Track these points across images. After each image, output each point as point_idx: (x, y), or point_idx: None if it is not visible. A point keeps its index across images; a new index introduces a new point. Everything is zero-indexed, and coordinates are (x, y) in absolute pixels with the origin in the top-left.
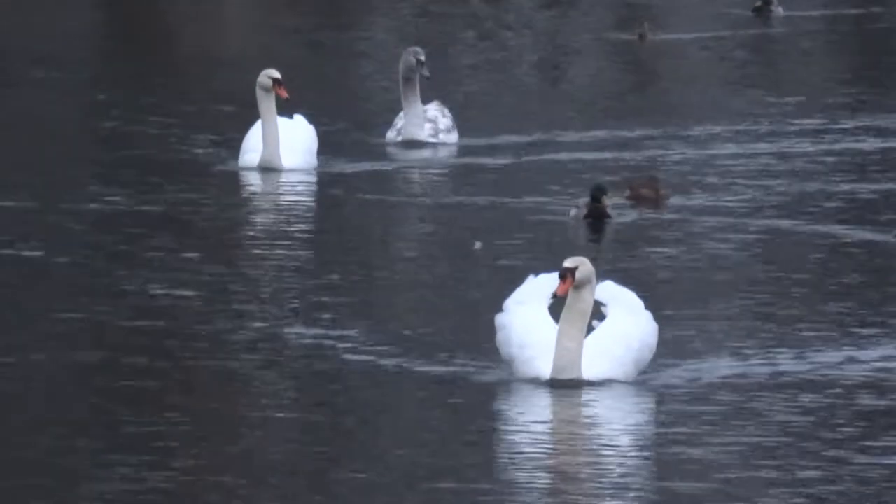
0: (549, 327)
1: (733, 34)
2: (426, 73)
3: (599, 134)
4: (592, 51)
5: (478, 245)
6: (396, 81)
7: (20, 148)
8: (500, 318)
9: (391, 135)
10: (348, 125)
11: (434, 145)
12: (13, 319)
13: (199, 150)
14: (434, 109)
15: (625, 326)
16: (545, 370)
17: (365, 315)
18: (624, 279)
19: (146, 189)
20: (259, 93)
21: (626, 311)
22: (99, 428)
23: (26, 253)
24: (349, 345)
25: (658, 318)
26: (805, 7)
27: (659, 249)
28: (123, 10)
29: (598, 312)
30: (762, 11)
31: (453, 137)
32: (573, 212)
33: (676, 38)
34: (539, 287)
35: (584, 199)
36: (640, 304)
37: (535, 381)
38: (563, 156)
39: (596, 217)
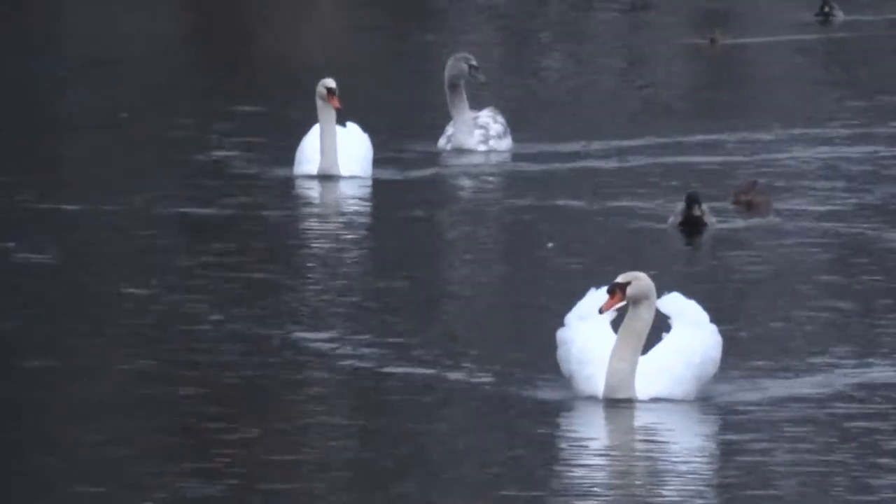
0: (610, 343)
1: (800, 38)
2: (482, 77)
3: (685, 138)
4: (667, 55)
5: (550, 245)
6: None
7: (88, 147)
8: (560, 334)
9: (442, 143)
10: (406, 132)
11: (485, 153)
12: (83, 325)
13: (251, 156)
14: (486, 116)
15: (687, 342)
16: (601, 388)
17: (426, 325)
18: (700, 288)
19: (210, 196)
20: (318, 102)
21: (689, 325)
22: (163, 435)
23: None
24: (407, 355)
25: (730, 328)
26: (864, 11)
27: (746, 255)
28: (211, 12)
29: (664, 325)
30: (825, 16)
31: (505, 144)
32: (670, 220)
33: (746, 42)
34: (601, 301)
35: (680, 207)
36: (705, 317)
37: (592, 400)
38: (646, 160)
39: (691, 224)
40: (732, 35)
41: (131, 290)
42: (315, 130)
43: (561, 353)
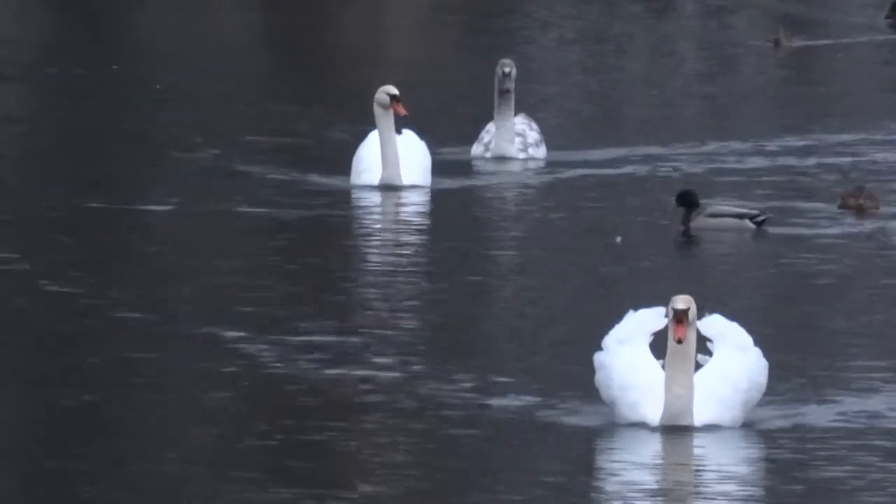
0: (653, 367)
1: (869, 40)
2: (508, 85)
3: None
4: (741, 58)
5: (619, 239)
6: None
7: (143, 152)
8: (598, 358)
9: (477, 149)
10: (443, 137)
11: (523, 160)
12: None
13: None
14: (521, 123)
15: (732, 366)
16: (652, 415)
17: (471, 352)
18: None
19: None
20: (377, 110)
21: (733, 348)
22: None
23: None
24: (446, 378)
25: (782, 349)
26: None
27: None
28: (282, 10)
29: (703, 348)
30: (894, 20)
31: (541, 152)
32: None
33: (814, 44)
34: (640, 323)
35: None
36: (748, 340)
37: (640, 426)
38: (737, 164)
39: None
40: (798, 37)
41: (189, 296)
42: (372, 138)
43: (600, 377)
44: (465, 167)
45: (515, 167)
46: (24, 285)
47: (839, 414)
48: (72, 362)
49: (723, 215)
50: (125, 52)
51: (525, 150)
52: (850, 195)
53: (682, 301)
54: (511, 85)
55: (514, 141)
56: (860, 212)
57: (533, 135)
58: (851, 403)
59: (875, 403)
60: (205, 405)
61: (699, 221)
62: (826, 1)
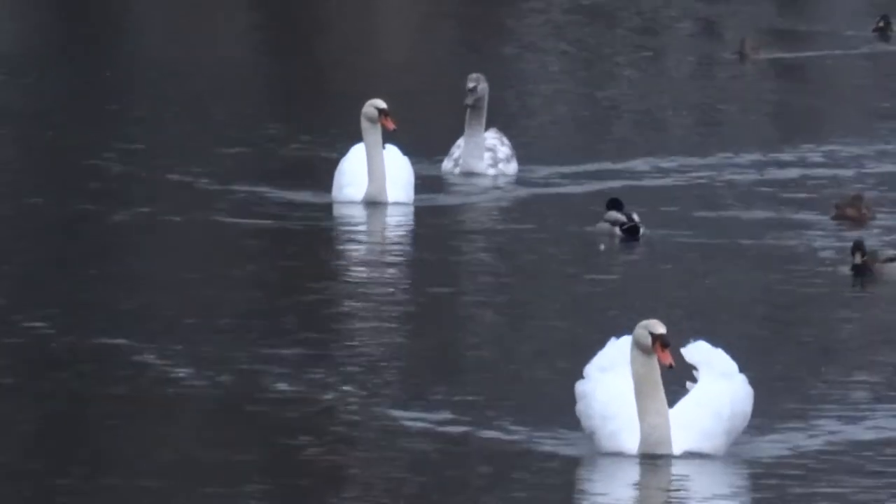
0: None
1: (844, 53)
2: (467, 101)
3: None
4: (703, 70)
5: (602, 247)
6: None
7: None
8: (580, 386)
9: (447, 165)
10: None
11: (493, 176)
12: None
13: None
14: (492, 138)
15: (716, 394)
16: (630, 444)
17: (449, 376)
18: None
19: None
20: (364, 123)
21: (717, 375)
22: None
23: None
24: (429, 407)
25: (765, 375)
26: None
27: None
28: (278, 9)
29: (689, 376)
30: (883, 31)
31: (512, 167)
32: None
33: (779, 56)
34: (622, 351)
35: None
36: (733, 367)
37: (619, 456)
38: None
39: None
40: (767, 50)
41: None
42: (354, 152)
43: (581, 407)
44: (435, 182)
45: (484, 183)
46: None
47: (828, 443)
48: (50, 375)
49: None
50: (119, 59)
51: (495, 165)
52: (846, 204)
53: (659, 325)
54: (471, 101)
55: (482, 157)
56: (850, 220)
57: (504, 150)
58: (838, 430)
59: (862, 431)
60: (177, 420)
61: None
62: (818, 14)
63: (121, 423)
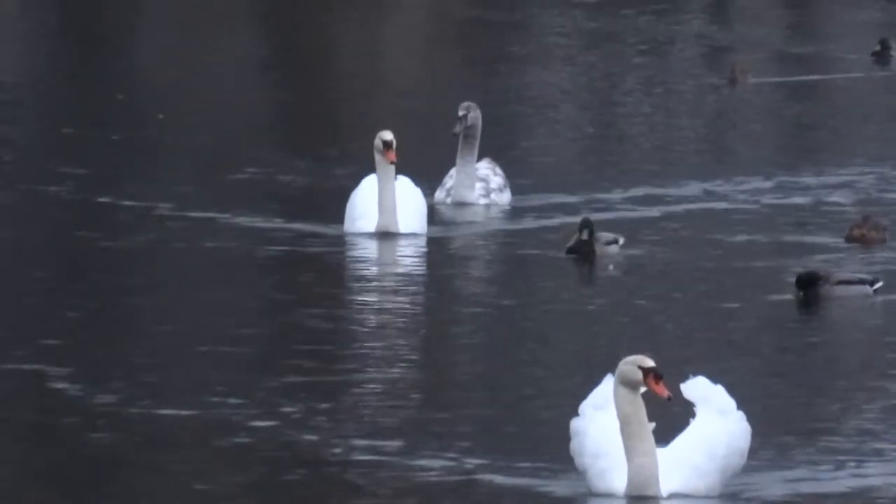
0: None
1: (833, 78)
2: (456, 129)
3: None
4: (690, 96)
5: (611, 268)
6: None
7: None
8: (574, 424)
9: (440, 195)
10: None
11: (485, 206)
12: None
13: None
14: (485, 168)
15: (711, 431)
16: (619, 484)
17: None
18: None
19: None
20: (376, 155)
21: (714, 412)
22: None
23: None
24: (427, 444)
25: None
26: None
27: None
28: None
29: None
30: (881, 55)
31: (505, 197)
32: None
33: (769, 81)
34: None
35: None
36: (731, 403)
37: (609, 497)
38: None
39: (582, 253)
40: (771, 75)
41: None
42: (366, 184)
43: (574, 444)
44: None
45: (476, 213)
46: None
47: (829, 481)
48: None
49: None
50: (129, 82)
51: (487, 195)
52: (857, 225)
53: (647, 359)
54: (459, 129)
55: (474, 187)
56: (863, 241)
57: (497, 180)
58: (839, 470)
59: (864, 470)
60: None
61: None
62: (819, 37)
63: (120, 455)
